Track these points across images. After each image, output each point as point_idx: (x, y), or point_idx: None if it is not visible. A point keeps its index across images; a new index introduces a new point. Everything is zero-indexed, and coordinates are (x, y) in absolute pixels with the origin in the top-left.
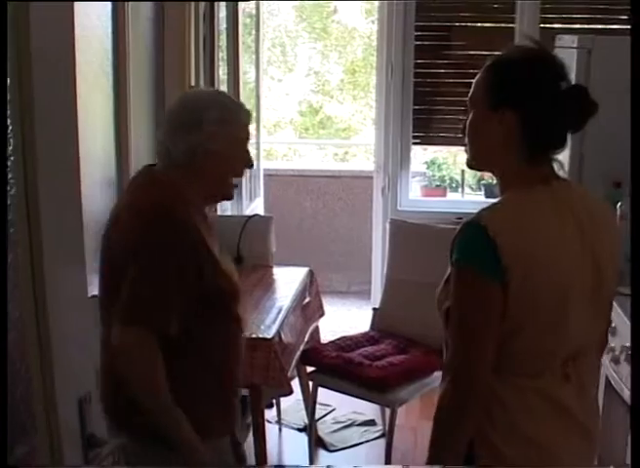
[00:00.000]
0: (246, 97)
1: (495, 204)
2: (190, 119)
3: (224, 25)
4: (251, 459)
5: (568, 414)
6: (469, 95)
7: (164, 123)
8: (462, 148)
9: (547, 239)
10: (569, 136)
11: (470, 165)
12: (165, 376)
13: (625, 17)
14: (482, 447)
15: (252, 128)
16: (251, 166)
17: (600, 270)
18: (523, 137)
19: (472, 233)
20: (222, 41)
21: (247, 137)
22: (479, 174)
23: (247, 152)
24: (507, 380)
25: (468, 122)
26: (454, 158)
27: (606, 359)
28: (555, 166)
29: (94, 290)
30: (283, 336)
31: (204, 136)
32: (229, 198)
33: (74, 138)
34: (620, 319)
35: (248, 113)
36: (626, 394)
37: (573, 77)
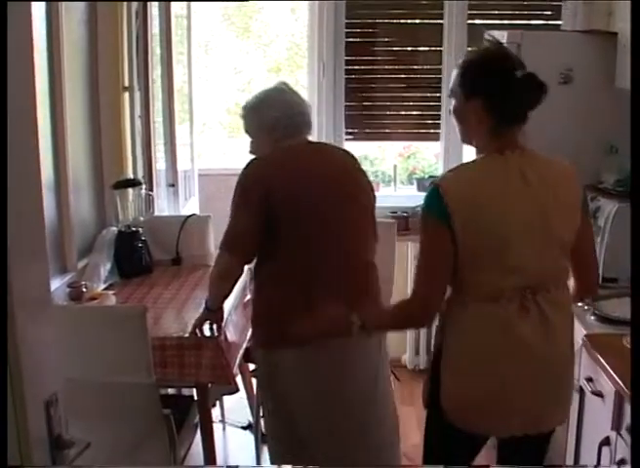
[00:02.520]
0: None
1: (454, 168)
2: None
3: (157, 25)
4: (199, 459)
5: (527, 345)
6: (450, 87)
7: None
8: (392, 143)
9: (489, 193)
10: None
11: (462, 141)
12: None
13: (549, 12)
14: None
15: (185, 128)
16: None
17: (548, 217)
18: (490, 118)
19: (431, 190)
20: (155, 41)
21: None
22: (410, 168)
23: None
24: (468, 304)
25: (452, 109)
26: (383, 153)
27: None
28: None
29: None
30: (228, 334)
31: None
32: None
33: (34, 141)
34: None
35: None
36: None
37: None
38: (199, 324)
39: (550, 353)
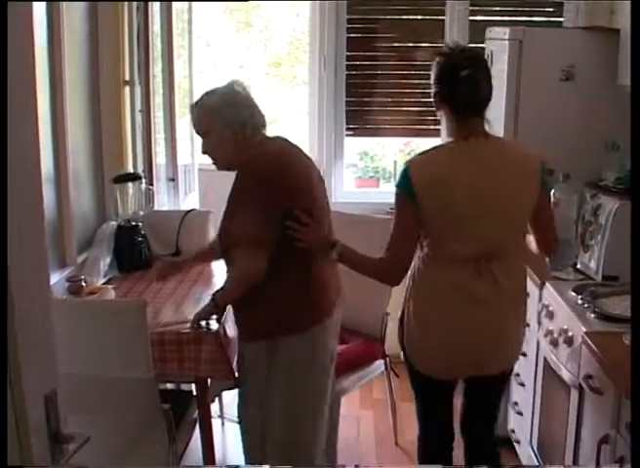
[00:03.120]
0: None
1: (424, 151)
2: None
3: (158, 20)
4: (198, 454)
5: (480, 303)
6: None
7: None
8: (392, 139)
9: (452, 174)
10: (502, 124)
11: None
12: None
13: (551, 9)
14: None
15: (185, 123)
16: None
17: (505, 195)
18: (448, 110)
19: (403, 170)
20: (156, 36)
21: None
22: None
23: None
24: (431, 264)
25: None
26: (383, 149)
27: (544, 341)
28: (487, 126)
29: None
30: (227, 330)
31: None
32: None
33: (35, 136)
34: (557, 302)
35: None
36: (565, 374)
37: (505, 67)
38: (204, 317)
39: (498, 311)
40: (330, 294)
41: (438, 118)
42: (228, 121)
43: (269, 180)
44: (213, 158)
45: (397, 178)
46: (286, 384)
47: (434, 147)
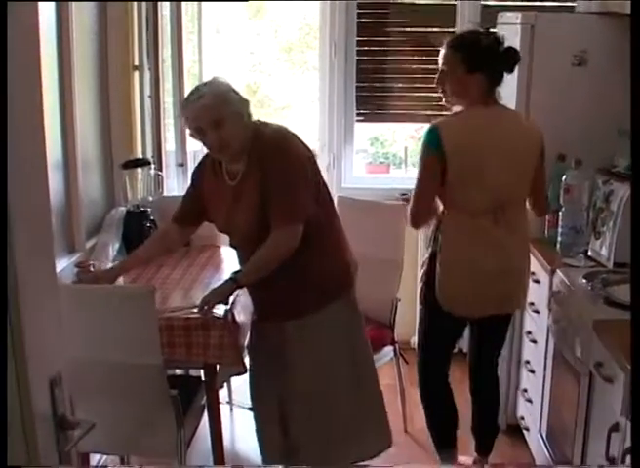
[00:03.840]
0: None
1: (450, 115)
2: None
3: (167, 4)
4: (206, 440)
5: (499, 246)
6: (442, 65)
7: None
8: (403, 125)
9: (475, 135)
10: (513, 109)
11: (452, 103)
12: None
13: None
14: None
15: None
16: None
17: (517, 152)
18: (484, 84)
19: (430, 130)
20: (165, 20)
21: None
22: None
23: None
24: (457, 217)
25: (451, 81)
26: (394, 135)
27: (554, 328)
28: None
29: None
30: (236, 315)
31: None
32: None
33: (40, 123)
34: (568, 289)
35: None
36: (575, 361)
37: None
38: (219, 300)
39: (514, 251)
40: (350, 262)
41: (442, 99)
42: (237, 104)
43: (303, 155)
44: (225, 147)
45: (425, 137)
46: (309, 368)
47: (456, 113)
